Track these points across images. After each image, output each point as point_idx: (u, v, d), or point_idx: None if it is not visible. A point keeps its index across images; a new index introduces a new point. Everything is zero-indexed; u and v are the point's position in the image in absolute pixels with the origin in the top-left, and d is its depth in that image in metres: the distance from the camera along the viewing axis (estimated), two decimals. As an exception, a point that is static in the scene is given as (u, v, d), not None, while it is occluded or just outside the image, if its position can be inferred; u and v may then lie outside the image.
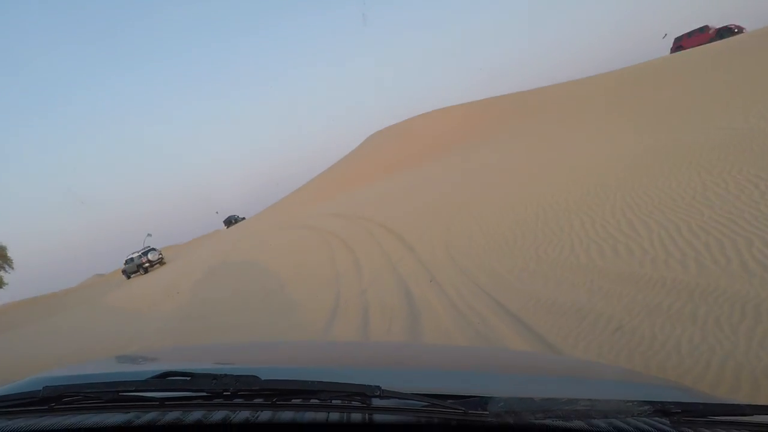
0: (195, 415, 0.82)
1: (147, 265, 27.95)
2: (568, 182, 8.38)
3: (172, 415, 0.82)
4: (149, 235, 32.80)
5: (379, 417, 0.80)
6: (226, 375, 0.89)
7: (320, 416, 0.81)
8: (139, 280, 23.74)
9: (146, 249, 28.69)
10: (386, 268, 7.54)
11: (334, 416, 0.81)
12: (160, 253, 28.52)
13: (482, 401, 0.80)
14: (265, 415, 0.81)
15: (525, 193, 8.82)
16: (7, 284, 45.45)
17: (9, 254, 45.21)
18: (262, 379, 0.88)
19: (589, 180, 7.97)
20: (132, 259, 28.72)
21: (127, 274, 28.90)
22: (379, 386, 0.82)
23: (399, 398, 0.82)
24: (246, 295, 9.26)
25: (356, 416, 0.81)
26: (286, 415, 0.81)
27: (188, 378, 0.92)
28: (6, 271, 45.22)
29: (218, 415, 0.82)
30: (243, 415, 0.81)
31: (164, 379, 0.94)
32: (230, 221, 38.28)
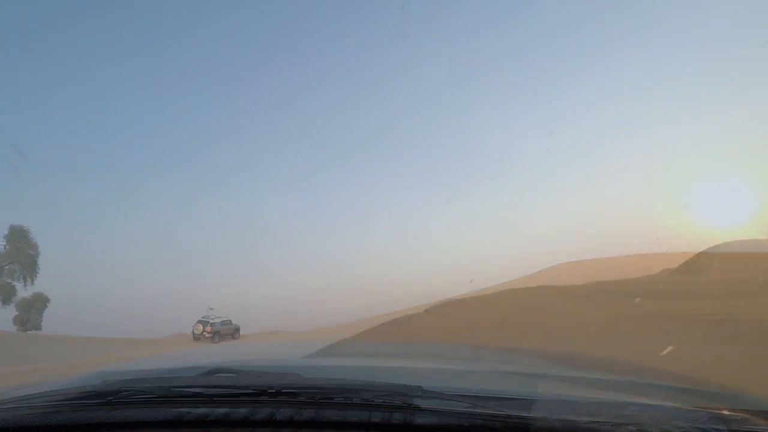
0: (242, 412, 0.85)
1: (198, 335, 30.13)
2: None
3: (220, 411, 0.85)
4: (211, 309, 35.28)
5: (420, 417, 0.80)
6: (270, 372, 0.91)
7: (362, 415, 0.82)
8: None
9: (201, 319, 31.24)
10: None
11: (376, 415, 0.82)
12: (206, 330, 30.02)
13: (526, 403, 0.79)
14: (308, 413, 0.83)
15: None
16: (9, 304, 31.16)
17: (38, 263, 33.83)
18: (305, 377, 0.90)
19: None
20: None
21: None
22: (420, 386, 0.82)
23: (441, 399, 0.82)
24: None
25: (398, 416, 0.81)
26: (329, 414, 0.83)
27: (234, 375, 0.96)
28: (24, 285, 33.91)
29: (264, 412, 0.84)
30: (287, 412, 0.83)
31: (212, 376, 0.98)
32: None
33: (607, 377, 1.31)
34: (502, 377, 1.27)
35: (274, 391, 0.89)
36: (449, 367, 1.44)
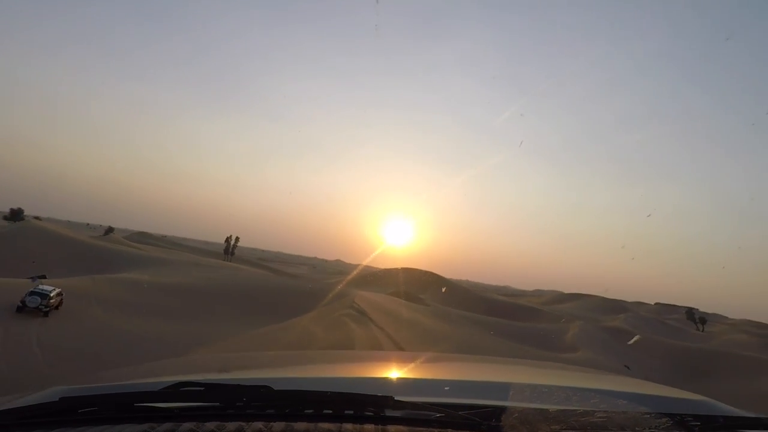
0: (209, 427, 0.82)
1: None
2: None
3: (186, 427, 0.82)
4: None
5: (392, 427, 0.80)
6: (239, 385, 0.89)
7: (333, 427, 0.81)
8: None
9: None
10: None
11: (347, 427, 0.81)
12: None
13: (496, 412, 0.80)
14: (278, 426, 0.81)
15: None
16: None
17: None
18: (275, 389, 0.88)
19: None
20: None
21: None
22: (391, 396, 0.82)
23: (411, 408, 0.82)
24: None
25: (369, 427, 0.80)
26: (300, 426, 0.81)
27: (202, 389, 0.93)
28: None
29: (232, 426, 0.82)
30: (256, 426, 0.81)
31: (178, 390, 0.95)
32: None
33: (574, 385, 1.34)
34: (473, 387, 1.28)
35: (242, 404, 0.87)
36: (420, 377, 1.44)
